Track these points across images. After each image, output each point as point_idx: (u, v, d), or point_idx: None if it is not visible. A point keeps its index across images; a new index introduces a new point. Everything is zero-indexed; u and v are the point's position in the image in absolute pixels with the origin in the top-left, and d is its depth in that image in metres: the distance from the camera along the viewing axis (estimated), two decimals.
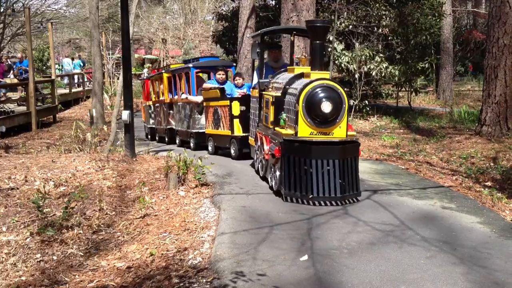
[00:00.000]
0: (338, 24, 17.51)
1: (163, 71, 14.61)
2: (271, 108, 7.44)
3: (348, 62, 16.80)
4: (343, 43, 17.68)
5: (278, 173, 6.75)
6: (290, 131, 6.68)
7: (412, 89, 20.14)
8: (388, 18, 18.06)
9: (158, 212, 6.66)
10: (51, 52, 22.98)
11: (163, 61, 39.49)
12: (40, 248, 5.67)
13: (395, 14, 18.02)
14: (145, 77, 17.51)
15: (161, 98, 14.87)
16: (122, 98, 11.02)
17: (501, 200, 7.06)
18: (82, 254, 5.57)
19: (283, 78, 7.76)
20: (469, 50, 33.17)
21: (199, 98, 11.56)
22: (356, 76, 16.85)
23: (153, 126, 16.09)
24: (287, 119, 6.98)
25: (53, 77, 22.05)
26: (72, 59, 31.13)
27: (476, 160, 9.64)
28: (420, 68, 18.28)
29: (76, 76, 28.82)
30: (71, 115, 22.36)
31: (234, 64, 12.24)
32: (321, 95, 6.44)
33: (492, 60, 11.74)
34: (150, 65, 43.04)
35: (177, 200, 7.04)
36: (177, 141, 13.53)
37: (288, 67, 8.20)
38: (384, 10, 18.14)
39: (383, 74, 17.22)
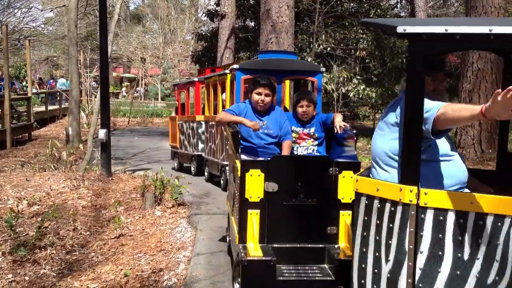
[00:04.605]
0: (317, 46, 17.73)
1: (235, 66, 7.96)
2: None
3: (326, 83, 16.99)
4: (321, 64, 17.91)
5: None
6: None
7: None
8: (365, 42, 18.40)
9: (134, 232, 6.58)
10: (28, 69, 22.74)
11: (142, 80, 39.44)
12: (12, 268, 5.55)
13: (372, 37, 18.33)
14: (195, 79, 11.78)
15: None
16: (99, 116, 10.94)
17: None
18: (55, 274, 5.46)
19: None
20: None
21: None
22: (334, 96, 17.03)
23: (203, 154, 10.63)
24: None
25: (29, 94, 21.82)
26: (67, 79, 31.57)
27: None
28: (396, 91, 18.52)
29: (58, 94, 28.83)
30: (47, 133, 22.07)
31: (323, 70, 6.01)
32: None
33: (466, 83, 11.96)
34: (129, 83, 42.96)
35: (153, 220, 6.98)
36: None
37: None
38: (361, 33, 18.52)
39: (360, 96, 17.45)
